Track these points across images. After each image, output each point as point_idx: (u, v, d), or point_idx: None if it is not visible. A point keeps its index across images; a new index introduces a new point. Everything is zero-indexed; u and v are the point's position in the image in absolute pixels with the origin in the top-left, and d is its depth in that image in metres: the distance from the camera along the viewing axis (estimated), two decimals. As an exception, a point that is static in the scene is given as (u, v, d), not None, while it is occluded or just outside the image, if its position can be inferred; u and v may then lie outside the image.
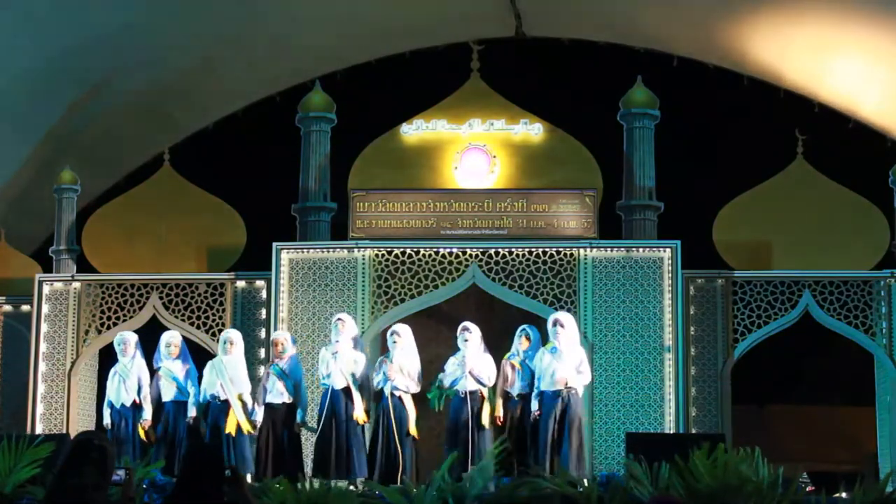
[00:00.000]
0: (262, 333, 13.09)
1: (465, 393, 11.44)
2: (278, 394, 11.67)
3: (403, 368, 11.50)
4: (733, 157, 15.30)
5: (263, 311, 13.24)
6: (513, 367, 11.54)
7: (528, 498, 9.51)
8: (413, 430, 11.49)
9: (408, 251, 13.07)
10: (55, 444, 10.15)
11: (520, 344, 11.64)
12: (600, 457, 12.35)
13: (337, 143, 13.70)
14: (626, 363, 12.67)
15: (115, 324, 13.49)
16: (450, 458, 9.82)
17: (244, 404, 11.69)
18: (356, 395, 11.50)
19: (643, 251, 12.89)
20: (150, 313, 13.46)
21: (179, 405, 11.91)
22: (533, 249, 12.95)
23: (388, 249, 13.06)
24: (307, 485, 9.85)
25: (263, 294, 13.29)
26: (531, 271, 12.96)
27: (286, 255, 13.11)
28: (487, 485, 9.71)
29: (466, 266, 13.04)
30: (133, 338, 12.26)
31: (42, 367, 13.42)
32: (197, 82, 16.10)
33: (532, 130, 13.47)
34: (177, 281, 13.48)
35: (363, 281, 13.01)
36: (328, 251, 13.13)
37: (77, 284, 13.55)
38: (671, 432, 12.43)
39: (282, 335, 11.99)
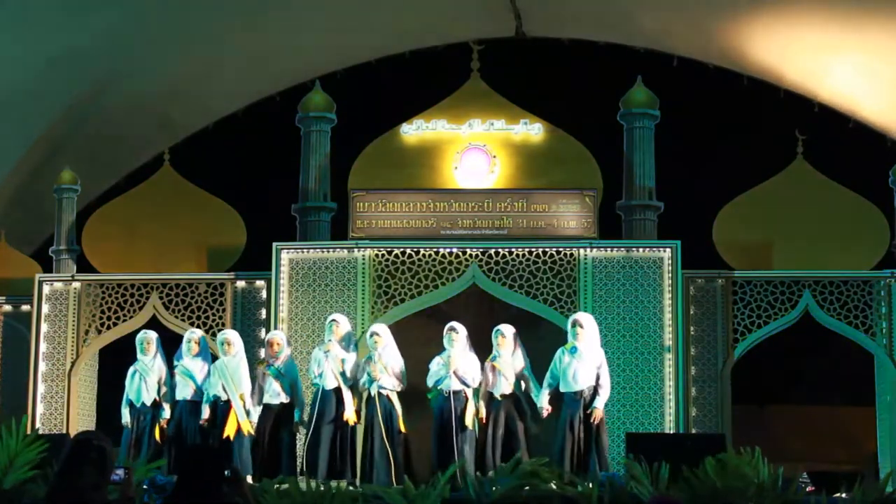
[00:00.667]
0: (263, 333, 13.08)
1: (450, 392, 11.42)
2: (275, 394, 11.65)
3: (387, 367, 11.49)
4: (733, 156, 15.29)
5: (263, 311, 13.24)
6: (493, 368, 11.51)
7: (529, 498, 9.51)
8: (402, 427, 11.47)
9: (408, 251, 13.07)
10: (48, 442, 10.16)
11: (498, 345, 11.58)
12: (600, 457, 12.34)
13: (337, 143, 13.70)
14: (626, 363, 12.67)
15: (115, 324, 13.50)
16: (452, 468, 9.82)
17: (244, 404, 11.66)
18: (347, 396, 11.50)
19: (643, 251, 12.89)
20: (150, 313, 13.46)
21: (193, 405, 11.83)
22: (533, 249, 12.95)
23: (388, 249, 13.06)
24: (312, 485, 9.84)
25: (263, 294, 13.29)
26: (531, 271, 12.96)
27: (286, 255, 13.11)
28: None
29: (466, 266, 13.04)
30: (155, 336, 12.17)
31: (42, 367, 13.42)
32: (197, 82, 16.10)
33: (532, 130, 13.48)
34: (177, 281, 13.48)
35: (363, 281, 13.01)
36: (328, 251, 13.13)
37: (77, 284, 13.55)
38: (671, 432, 12.43)
39: (278, 335, 11.99)
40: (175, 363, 11.92)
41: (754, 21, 15.06)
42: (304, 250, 13.16)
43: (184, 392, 11.85)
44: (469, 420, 11.37)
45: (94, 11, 14.22)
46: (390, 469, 11.26)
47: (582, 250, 12.90)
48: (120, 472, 5.94)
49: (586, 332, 11.36)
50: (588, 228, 12.97)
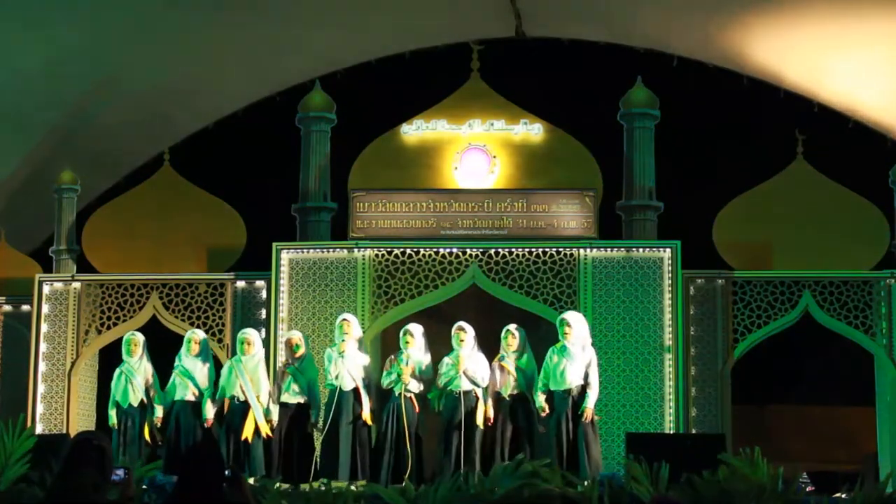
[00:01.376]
0: (263, 333, 13.06)
1: (460, 393, 11.42)
2: (293, 394, 11.64)
3: (416, 370, 11.49)
4: (733, 156, 15.29)
5: (263, 311, 13.24)
6: (502, 368, 11.51)
7: (529, 498, 9.52)
8: (420, 431, 11.51)
9: (408, 251, 13.07)
10: (45, 439, 10.18)
11: (507, 344, 11.59)
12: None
13: (337, 143, 13.70)
14: (626, 363, 12.68)
15: (115, 324, 13.50)
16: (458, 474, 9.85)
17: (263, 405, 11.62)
18: (364, 397, 11.49)
19: (643, 251, 12.90)
20: (150, 313, 13.46)
21: (192, 405, 11.80)
22: (533, 249, 12.96)
23: (388, 249, 13.06)
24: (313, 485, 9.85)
25: (263, 294, 13.29)
26: (531, 271, 12.96)
27: (286, 255, 13.11)
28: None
29: (466, 266, 13.04)
30: (141, 338, 12.18)
31: (42, 367, 13.42)
32: (197, 82, 16.10)
33: (532, 130, 13.48)
34: (177, 281, 13.48)
35: (363, 281, 13.02)
36: (328, 251, 13.13)
37: (77, 284, 13.55)
38: (671, 432, 12.43)
39: (296, 335, 11.96)
40: (176, 363, 11.91)
41: (754, 21, 15.05)
42: (304, 250, 13.16)
43: (182, 392, 11.82)
44: (479, 420, 11.37)
45: (95, 11, 14.21)
46: (402, 470, 11.23)
47: (582, 250, 12.90)
48: (120, 472, 5.93)
49: (574, 331, 11.36)
50: (588, 228, 12.97)
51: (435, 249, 13.07)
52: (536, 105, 13.73)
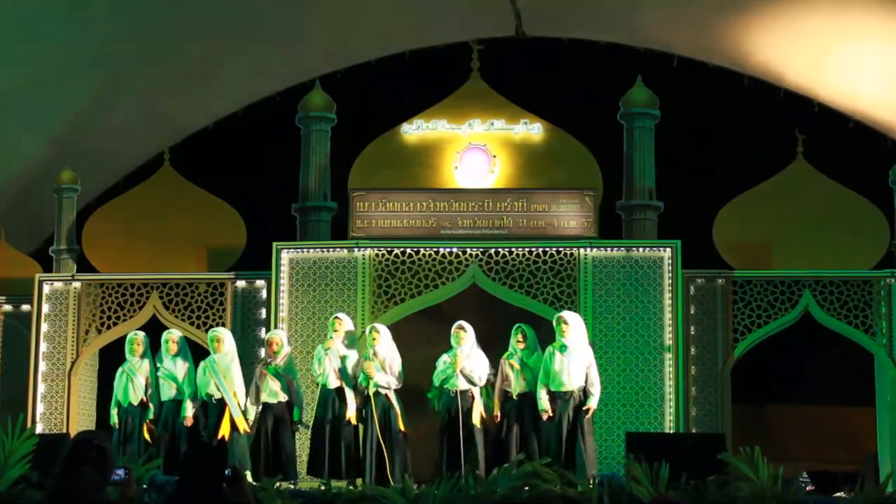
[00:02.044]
0: (263, 333, 13.08)
1: (456, 392, 11.43)
2: (273, 393, 11.66)
3: (384, 365, 11.48)
4: (733, 156, 15.29)
5: (263, 311, 13.24)
6: (511, 366, 11.51)
7: (529, 498, 9.52)
8: (402, 426, 11.46)
9: (408, 251, 13.07)
10: (44, 440, 10.18)
11: (516, 343, 11.59)
12: (600, 457, 12.32)
13: (337, 143, 13.70)
14: (626, 363, 12.67)
15: (115, 324, 13.49)
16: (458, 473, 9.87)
17: (239, 403, 11.65)
18: (349, 395, 11.49)
19: (643, 251, 12.89)
20: (150, 313, 13.46)
21: (178, 404, 11.89)
22: (533, 249, 12.95)
23: (388, 249, 13.06)
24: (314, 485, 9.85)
25: (263, 294, 13.29)
26: (531, 271, 12.96)
27: (286, 255, 13.11)
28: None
29: (466, 266, 13.04)
30: (143, 336, 12.21)
31: (42, 366, 13.42)
32: (197, 82, 16.10)
33: (532, 130, 13.48)
34: (177, 281, 13.48)
35: (363, 281, 13.01)
36: (328, 251, 13.13)
37: (77, 284, 13.55)
38: (671, 432, 12.43)
39: (277, 334, 12.00)
40: (158, 365, 11.98)
41: (755, 21, 15.05)
42: (304, 250, 13.16)
43: (168, 392, 11.95)
44: (476, 419, 11.37)
45: (95, 12, 14.21)
46: (384, 468, 11.23)
47: (582, 250, 12.90)
48: (120, 472, 5.93)
49: (572, 329, 11.37)
50: (588, 228, 12.97)
51: (435, 249, 13.07)
52: (536, 105, 13.72)
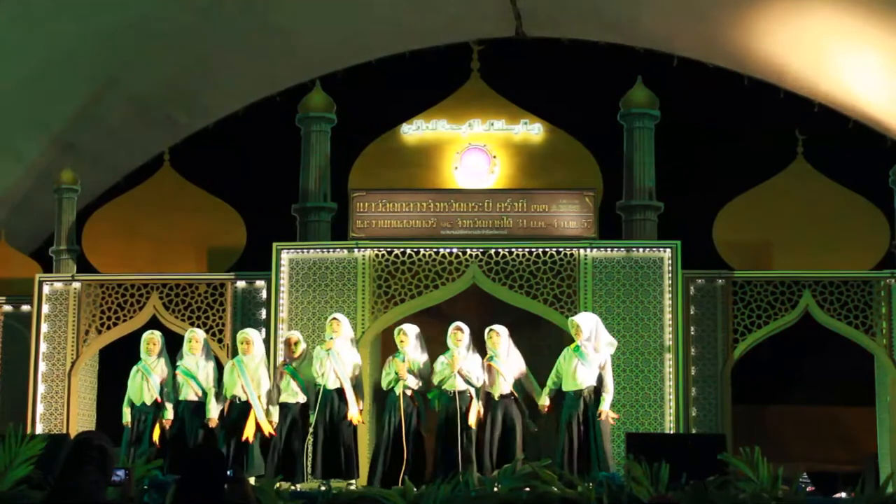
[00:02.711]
0: (263, 333, 13.07)
1: (455, 392, 11.43)
2: (292, 393, 11.64)
3: (414, 367, 11.50)
4: (733, 156, 15.30)
5: (263, 311, 13.24)
6: (490, 367, 11.52)
7: (529, 499, 9.52)
8: (421, 430, 11.50)
9: (408, 251, 13.06)
10: (48, 441, 10.17)
11: (493, 344, 11.58)
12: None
13: (337, 143, 13.70)
14: (626, 363, 12.67)
15: (115, 324, 13.49)
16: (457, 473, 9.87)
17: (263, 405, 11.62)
18: (350, 396, 11.48)
19: (643, 251, 12.89)
20: (150, 313, 13.45)
21: (196, 405, 11.78)
22: (533, 249, 12.95)
23: (388, 249, 13.06)
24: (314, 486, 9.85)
25: (263, 294, 13.29)
26: (531, 271, 12.96)
27: (286, 255, 13.11)
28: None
29: (466, 266, 13.04)
30: (160, 336, 12.12)
31: (42, 367, 13.41)
32: (197, 82, 16.10)
33: (532, 130, 13.48)
34: (177, 281, 13.48)
35: (363, 281, 13.01)
36: (328, 251, 13.13)
37: (77, 284, 13.55)
38: (671, 432, 12.43)
39: (295, 334, 11.98)
40: (177, 363, 11.91)
41: (755, 21, 15.06)
42: (304, 250, 13.16)
43: (186, 393, 11.83)
44: (473, 420, 11.37)
45: (96, 12, 14.21)
46: (398, 470, 11.21)
47: (582, 250, 12.90)
48: (120, 472, 5.93)
49: (585, 333, 11.36)
50: (588, 228, 12.97)
51: (435, 249, 13.07)
52: (536, 105, 13.72)
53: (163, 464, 10.60)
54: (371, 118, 14.33)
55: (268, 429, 11.53)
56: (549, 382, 11.40)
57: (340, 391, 11.52)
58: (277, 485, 10.21)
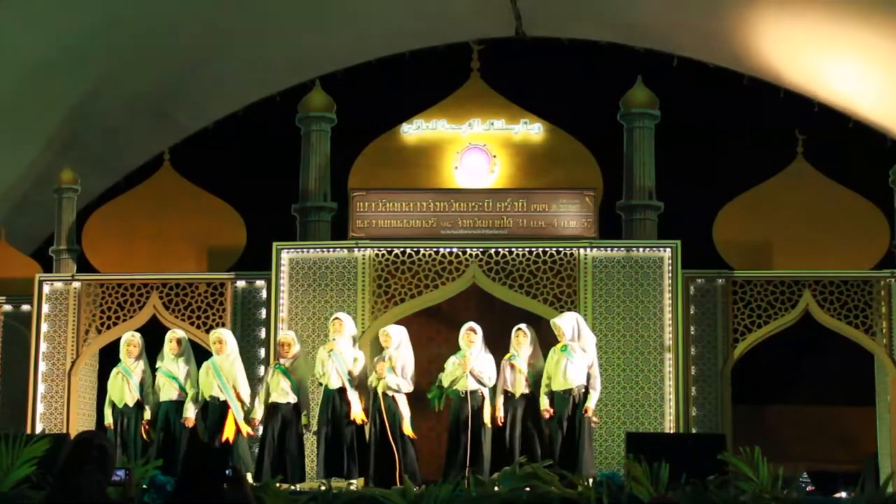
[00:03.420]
0: (262, 333, 13.10)
1: (466, 393, 11.43)
2: (283, 393, 11.64)
3: (396, 368, 11.47)
4: (733, 156, 15.29)
5: (263, 311, 13.24)
6: (512, 366, 11.51)
7: (529, 500, 9.52)
8: (408, 430, 11.44)
9: (408, 251, 13.06)
10: (51, 441, 10.17)
11: (517, 343, 11.59)
12: (600, 457, 12.34)
13: (337, 143, 13.70)
14: (626, 363, 12.68)
15: (115, 324, 13.49)
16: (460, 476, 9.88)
17: (243, 404, 11.64)
18: (353, 395, 11.47)
19: (643, 251, 12.90)
20: (150, 313, 13.45)
21: (176, 406, 11.83)
22: (533, 249, 12.95)
23: (388, 249, 13.06)
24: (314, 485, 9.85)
25: (263, 294, 13.29)
26: (531, 271, 12.96)
27: (286, 255, 13.11)
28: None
29: (466, 266, 13.04)
30: (139, 338, 12.19)
31: (42, 366, 13.41)
32: (197, 82, 16.10)
33: (532, 130, 13.48)
34: (177, 281, 13.48)
35: (363, 281, 13.01)
36: (328, 251, 13.13)
37: (77, 284, 13.55)
38: (671, 432, 12.43)
39: (289, 335, 11.97)
40: (157, 364, 11.95)
41: (755, 21, 15.05)
42: (304, 250, 13.16)
43: (168, 394, 11.88)
44: (486, 419, 11.37)
45: (95, 11, 14.21)
46: (391, 470, 11.21)
47: (582, 250, 12.90)
48: (120, 472, 5.94)
49: (566, 334, 11.38)
50: (588, 228, 12.97)
51: (435, 249, 13.07)
52: (536, 105, 13.73)
53: (162, 464, 10.62)
54: (371, 118, 14.33)
55: (245, 429, 11.53)
56: (543, 386, 11.40)
57: (342, 391, 11.51)
58: (277, 485, 10.20)
